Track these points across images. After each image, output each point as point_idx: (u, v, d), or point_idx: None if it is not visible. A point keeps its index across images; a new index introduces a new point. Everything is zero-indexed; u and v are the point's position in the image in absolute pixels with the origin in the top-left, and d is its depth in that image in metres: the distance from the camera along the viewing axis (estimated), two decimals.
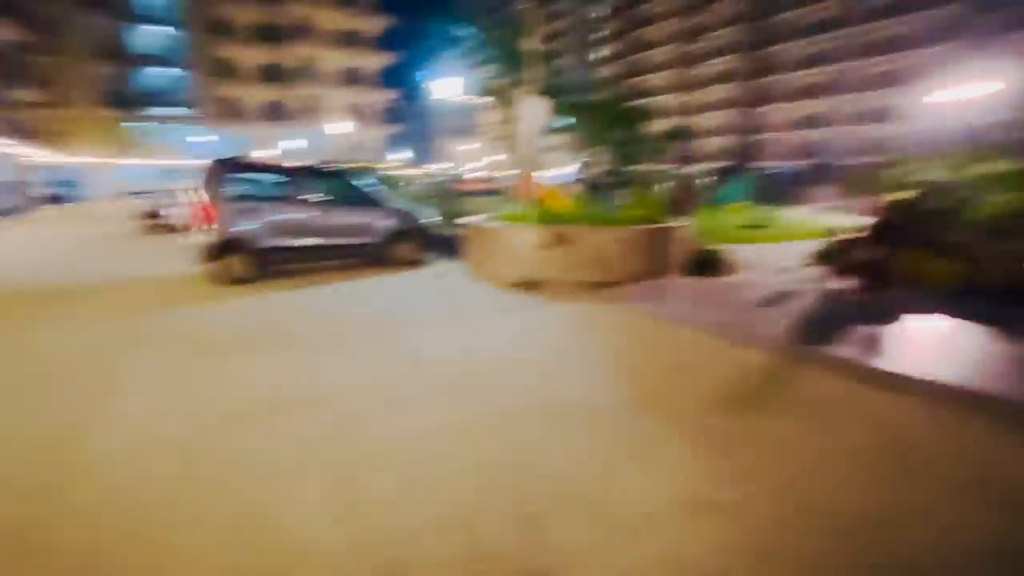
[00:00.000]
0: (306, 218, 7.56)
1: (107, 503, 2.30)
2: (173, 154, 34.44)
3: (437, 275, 7.60)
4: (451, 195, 11.70)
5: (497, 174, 26.25)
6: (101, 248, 11.25)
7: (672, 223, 7.32)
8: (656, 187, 10.45)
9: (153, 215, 13.96)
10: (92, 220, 17.91)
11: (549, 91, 6.84)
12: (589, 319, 5.19)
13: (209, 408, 3.23)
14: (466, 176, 26.30)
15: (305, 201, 7.77)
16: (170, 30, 37.38)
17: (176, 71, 38.08)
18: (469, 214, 9.69)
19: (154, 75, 38.38)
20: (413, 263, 8.43)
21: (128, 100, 35.56)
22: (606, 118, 7.52)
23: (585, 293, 6.07)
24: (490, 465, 2.57)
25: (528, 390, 3.49)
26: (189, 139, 35.48)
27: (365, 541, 2.04)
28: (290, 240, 7.39)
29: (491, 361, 4.03)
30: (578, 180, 14.59)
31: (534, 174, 6.25)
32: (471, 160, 48.63)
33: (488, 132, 52.04)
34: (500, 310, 5.60)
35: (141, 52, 36.68)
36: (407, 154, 47.59)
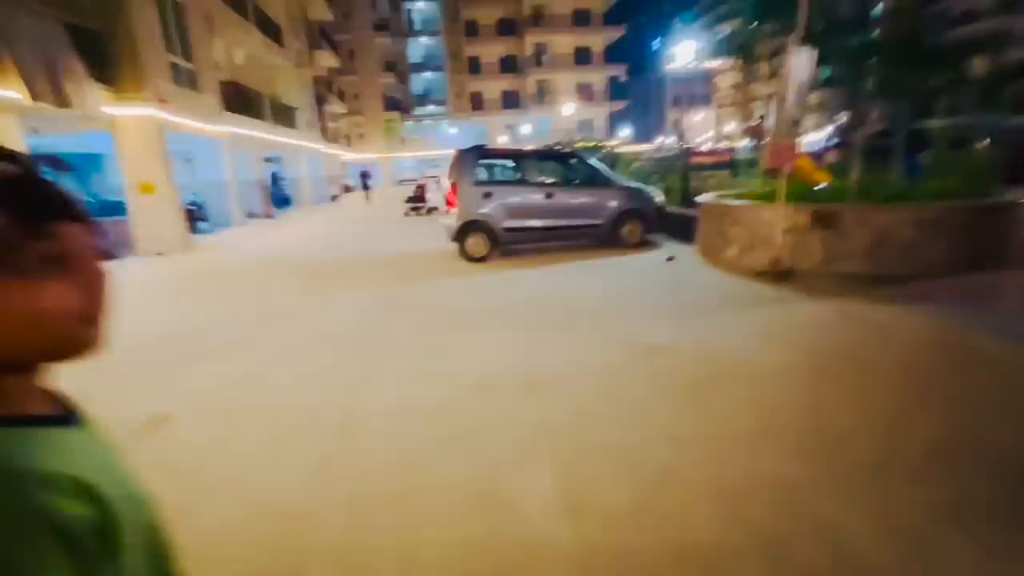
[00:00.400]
0: (538, 200, 7.87)
1: (378, 452, 2.67)
2: (432, 146, 40.58)
3: (666, 259, 7.10)
4: (681, 171, 10.81)
5: (734, 144, 23.51)
6: (376, 228, 13.85)
7: (1007, 196, 5.31)
8: (976, 147, 7.74)
9: (413, 199, 16.61)
10: (375, 205, 22.34)
11: (818, 36, 5.54)
12: (866, 325, 4.10)
13: (456, 378, 3.55)
14: (698, 148, 24.23)
15: (537, 183, 8.11)
16: (432, 39, 43.82)
17: (435, 74, 44.62)
18: (702, 191, 8.80)
19: (420, 80, 45.76)
20: (640, 245, 8.08)
21: (402, 103, 43.19)
22: (903, 60, 5.75)
23: (857, 288, 4.85)
24: (736, 499, 2.16)
25: (780, 412, 2.89)
26: (442, 132, 41.27)
27: (594, 540, 1.91)
28: (524, 221, 7.82)
29: (734, 370, 3.49)
30: (836, 146, 11.88)
31: (794, 140, 5.17)
32: (703, 131, 44.83)
33: (723, 99, 47.07)
34: (739, 304, 4.88)
35: (412, 61, 44.05)
36: (632, 130, 46.49)
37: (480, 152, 8.08)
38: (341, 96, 35.38)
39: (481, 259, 7.73)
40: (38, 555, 0.40)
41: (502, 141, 36.92)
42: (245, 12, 16.48)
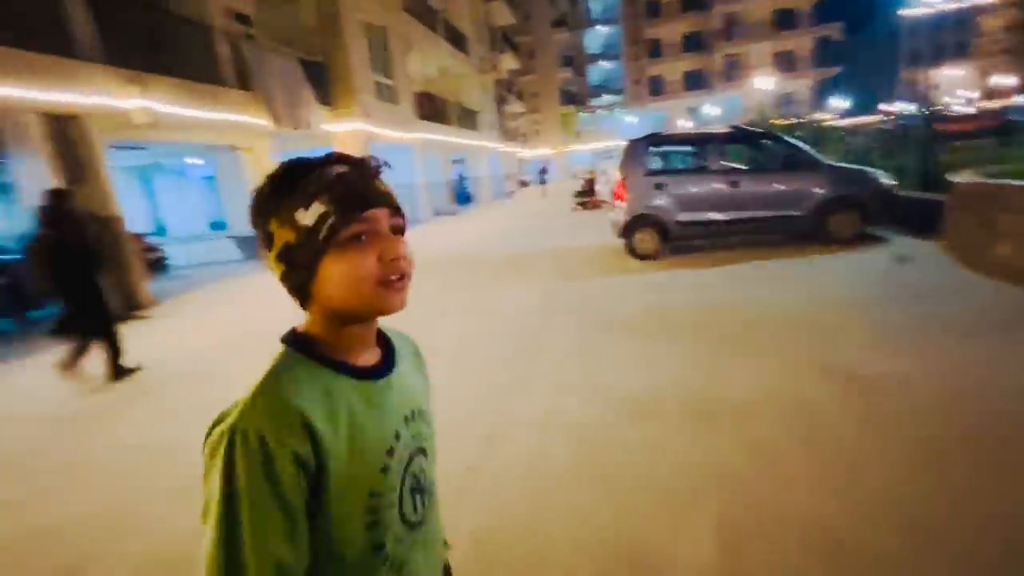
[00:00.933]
0: (720, 189, 6.89)
1: (514, 473, 2.46)
2: (607, 137, 39.92)
3: (895, 259, 5.57)
4: (922, 142, 8.47)
5: (1006, 103, 17.90)
6: (546, 222, 13.94)
7: None
8: None
9: (582, 193, 16.31)
10: (549, 199, 22.77)
11: None
12: None
13: (610, 392, 3.18)
14: (949, 113, 18.94)
15: (720, 170, 7.10)
16: (610, 27, 42.87)
17: (612, 63, 43.63)
18: (954, 168, 6.73)
19: (597, 70, 45.30)
20: (856, 240, 6.52)
21: (578, 96, 43.34)
22: None
23: None
24: None
25: None
26: (617, 122, 40.21)
27: None
28: (702, 214, 6.93)
29: (1007, 428, 2.42)
30: None
31: None
32: (954, 90, 35.48)
33: (989, 46, 36.49)
34: (1013, 322, 3.48)
35: (590, 52, 43.80)
36: (849, 100, 39.07)
37: (653, 140, 7.40)
38: (520, 96, 36.96)
39: (650, 257, 7.09)
40: (273, 457, 0.54)
41: (683, 126, 34.41)
42: (435, 27, 18.08)
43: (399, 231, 0.65)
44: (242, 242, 11.44)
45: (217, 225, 13.87)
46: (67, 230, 4.14)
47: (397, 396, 0.69)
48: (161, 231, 14.81)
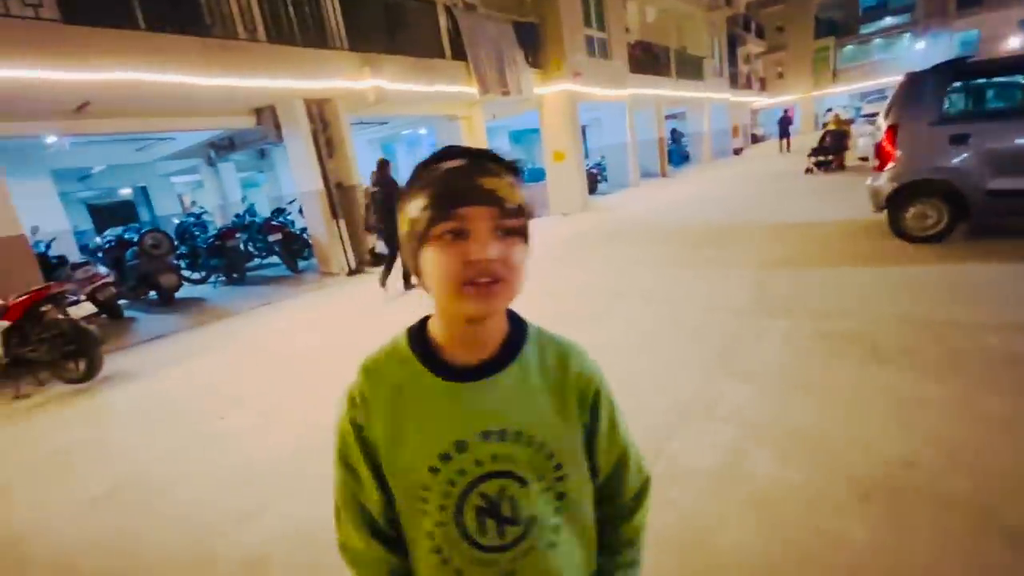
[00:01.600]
0: None
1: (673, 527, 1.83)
2: (878, 74, 31.55)
3: None
4: None
5: None
6: (775, 186, 11.54)
7: None
8: None
9: (818, 150, 12.65)
10: (785, 156, 19.11)
11: None
12: None
13: (833, 459, 2.19)
14: None
15: None
16: None
17: None
18: None
19: None
20: None
21: (842, 24, 34.93)
22: None
23: None
24: None
25: None
26: (899, 52, 31.25)
27: None
28: None
29: None
30: None
31: None
32: None
33: None
34: None
35: None
36: None
37: (954, 70, 5.16)
38: (759, 32, 31.44)
39: (931, 239, 5.11)
40: (343, 422, 0.69)
41: (1010, 48, 24.87)
42: None
43: (508, 232, 0.62)
44: None
45: None
46: (390, 186, 6.21)
47: (482, 406, 0.67)
48: None
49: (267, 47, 6.91)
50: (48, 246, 7.43)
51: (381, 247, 7.49)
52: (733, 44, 25.02)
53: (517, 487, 0.66)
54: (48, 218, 9.22)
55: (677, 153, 21.22)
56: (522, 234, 0.63)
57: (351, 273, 8.37)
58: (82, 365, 4.66)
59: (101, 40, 5.40)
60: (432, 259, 0.60)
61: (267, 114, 8.02)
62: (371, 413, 0.67)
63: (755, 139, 30.54)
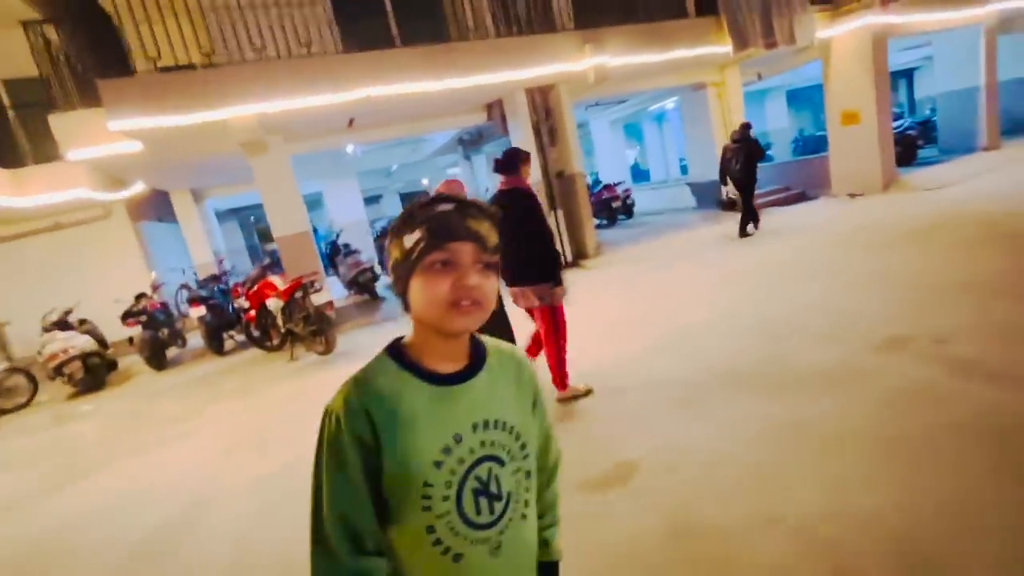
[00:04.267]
0: None
1: None
2: None
3: None
4: None
5: None
6: None
7: None
8: None
9: None
10: None
11: None
12: None
13: None
14: None
15: None
16: None
17: None
18: None
19: None
20: None
21: None
22: None
23: None
24: None
25: None
26: None
27: None
28: None
29: None
30: None
31: None
32: None
33: None
34: None
35: None
36: None
37: None
38: None
39: None
40: (342, 435, 0.73)
41: None
42: None
43: (486, 266, 0.75)
44: (698, 189, 10.69)
45: (684, 169, 13.59)
46: (753, 146, 7.22)
47: (468, 403, 0.79)
48: (645, 176, 15.95)
49: (491, 43, 6.93)
50: (338, 235, 9.33)
51: (734, 193, 7.96)
52: None
53: (498, 467, 0.80)
54: (350, 210, 11.72)
55: None
56: (495, 269, 0.77)
57: (566, 267, 8.03)
58: (322, 341, 5.63)
59: (360, 65, 6.15)
60: (422, 285, 0.73)
61: (496, 109, 8.20)
62: (369, 423, 0.73)
63: None
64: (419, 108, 7.31)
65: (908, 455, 2.12)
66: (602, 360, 3.84)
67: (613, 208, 10.95)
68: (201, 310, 6.73)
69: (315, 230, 9.63)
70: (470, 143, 10.86)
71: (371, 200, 27.13)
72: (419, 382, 0.76)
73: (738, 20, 7.89)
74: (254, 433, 3.92)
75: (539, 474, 0.90)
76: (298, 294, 5.72)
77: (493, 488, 0.78)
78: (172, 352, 7.28)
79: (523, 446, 0.82)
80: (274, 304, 5.90)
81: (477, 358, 0.82)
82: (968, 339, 3.00)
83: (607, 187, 11.14)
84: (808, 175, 10.54)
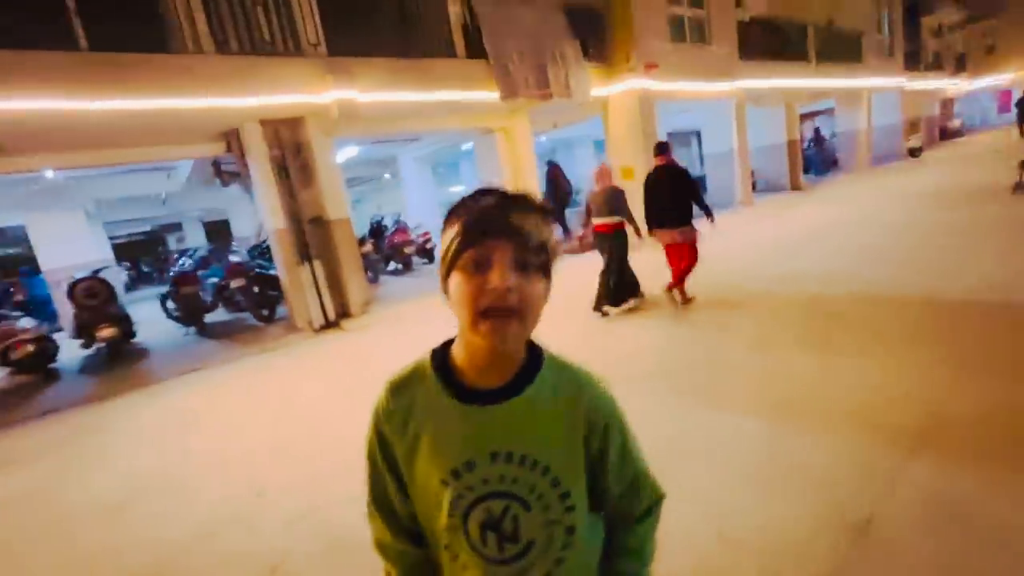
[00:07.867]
0: None
1: None
2: None
3: None
4: None
5: None
6: (971, 213, 7.48)
7: None
8: None
9: None
10: (974, 161, 13.63)
11: None
12: None
13: None
14: None
15: None
16: None
17: None
18: None
19: None
20: None
21: None
22: None
23: None
24: None
25: None
26: None
27: None
28: None
29: None
30: None
31: None
32: None
33: None
34: None
35: None
36: None
37: None
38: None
39: None
40: (372, 432, 0.77)
41: None
42: None
43: (529, 266, 0.65)
44: None
45: None
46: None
47: (493, 428, 0.70)
48: None
49: (215, 59, 5.66)
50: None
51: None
52: (914, 12, 19.21)
53: (521, 509, 0.70)
54: (75, 251, 9.29)
55: (818, 160, 16.65)
56: (544, 270, 0.66)
57: (322, 328, 6.84)
58: None
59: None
60: (457, 284, 0.65)
61: (234, 140, 6.85)
62: (393, 427, 0.74)
63: (946, 134, 23.48)
64: (112, 131, 5.70)
65: None
66: None
67: (406, 253, 10.09)
68: None
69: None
70: (230, 175, 9.23)
71: (174, 228, 23.21)
72: (446, 394, 0.71)
73: (508, 68, 7.66)
74: None
75: (620, 519, 0.80)
76: None
77: (508, 528, 0.71)
78: None
79: (564, 496, 0.71)
80: None
81: (525, 376, 0.72)
82: None
83: (400, 229, 10.28)
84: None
